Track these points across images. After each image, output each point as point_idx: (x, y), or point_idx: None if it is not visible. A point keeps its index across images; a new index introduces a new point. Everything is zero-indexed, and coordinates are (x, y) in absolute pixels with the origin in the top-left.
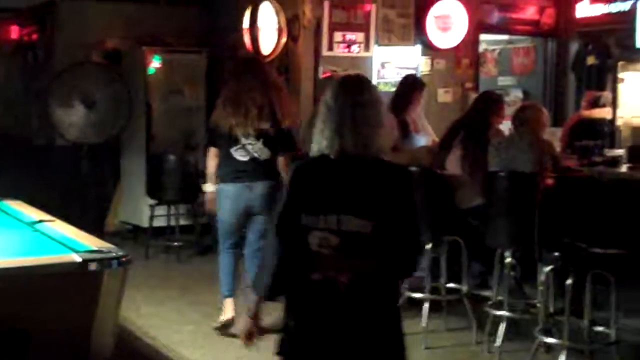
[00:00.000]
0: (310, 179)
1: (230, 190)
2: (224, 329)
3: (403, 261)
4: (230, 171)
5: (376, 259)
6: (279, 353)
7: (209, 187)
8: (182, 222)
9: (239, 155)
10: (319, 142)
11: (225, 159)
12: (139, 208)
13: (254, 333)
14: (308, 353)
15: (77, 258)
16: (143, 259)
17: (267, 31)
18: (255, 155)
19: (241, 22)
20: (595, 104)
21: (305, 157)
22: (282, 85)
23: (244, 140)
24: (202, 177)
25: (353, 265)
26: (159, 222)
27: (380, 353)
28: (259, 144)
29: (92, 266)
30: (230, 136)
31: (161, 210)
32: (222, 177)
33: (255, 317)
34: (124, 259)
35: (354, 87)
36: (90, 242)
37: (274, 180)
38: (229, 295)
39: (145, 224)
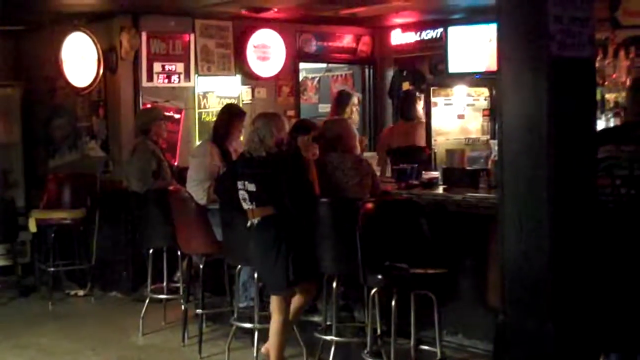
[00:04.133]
0: (238, 163)
1: None
2: None
3: (289, 206)
4: None
5: (273, 206)
6: None
7: None
8: (1, 262)
9: None
10: (245, 146)
11: None
12: None
13: None
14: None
15: None
16: None
17: (85, 62)
18: None
19: (56, 54)
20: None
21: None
22: None
23: None
24: (21, 214)
25: (259, 212)
26: None
27: (275, 265)
28: None
29: None
30: None
31: None
32: None
33: None
34: None
35: (257, 117)
36: None
37: None
38: None
39: None
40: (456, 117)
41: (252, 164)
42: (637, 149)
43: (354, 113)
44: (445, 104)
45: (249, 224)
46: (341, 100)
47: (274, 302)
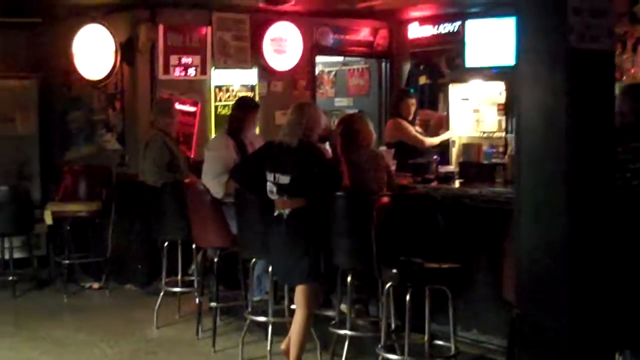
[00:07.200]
0: (268, 152)
1: None
2: None
3: (320, 198)
4: None
5: (305, 197)
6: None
7: None
8: (17, 255)
9: None
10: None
11: None
12: None
13: None
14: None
15: None
16: None
17: (100, 55)
18: None
19: (68, 47)
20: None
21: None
22: None
23: None
24: (37, 207)
25: (291, 203)
26: None
27: (304, 256)
28: None
29: None
30: None
31: None
32: None
33: None
34: None
35: (295, 107)
36: None
37: None
38: None
39: None
40: (472, 112)
41: (286, 154)
42: None
43: None
44: (462, 99)
45: (276, 213)
46: None
47: (300, 294)
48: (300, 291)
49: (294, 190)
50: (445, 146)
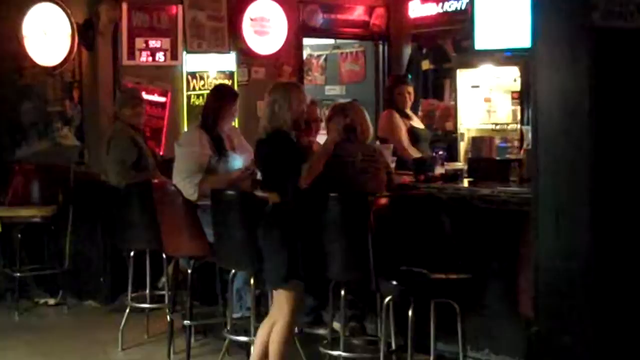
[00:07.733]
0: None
1: None
2: None
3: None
4: None
5: (277, 192)
6: None
7: None
8: None
9: None
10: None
11: None
12: None
13: None
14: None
15: None
16: None
17: (55, 38)
18: None
19: (16, 29)
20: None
21: None
22: None
23: None
24: None
25: (270, 197)
26: None
27: (277, 254)
28: None
29: None
30: None
31: None
32: None
33: None
34: None
35: (273, 88)
36: None
37: None
38: None
39: None
40: (482, 101)
41: (257, 147)
42: None
43: None
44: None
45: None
46: None
47: (277, 300)
48: (276, 297)
49: (264, 183)
50: (452, 140)
